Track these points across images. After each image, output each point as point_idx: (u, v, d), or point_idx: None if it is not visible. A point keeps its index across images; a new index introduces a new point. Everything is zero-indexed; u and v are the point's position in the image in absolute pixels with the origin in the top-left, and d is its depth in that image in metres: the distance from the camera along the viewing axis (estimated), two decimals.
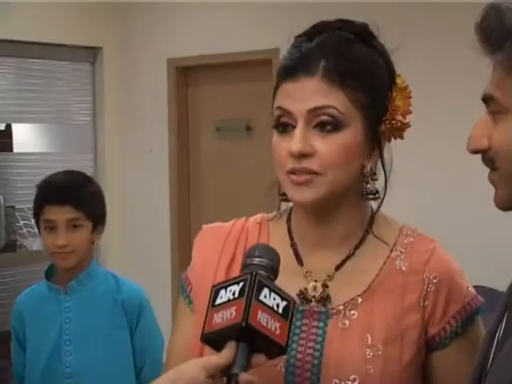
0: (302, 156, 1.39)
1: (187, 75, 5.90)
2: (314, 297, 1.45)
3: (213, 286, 1.27)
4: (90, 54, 6.02)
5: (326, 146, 1.39)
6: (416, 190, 4.71)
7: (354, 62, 1.42)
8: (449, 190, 4.68)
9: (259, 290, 1.21)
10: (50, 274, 2.74)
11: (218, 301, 1.23)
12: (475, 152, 1.16)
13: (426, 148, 4.69)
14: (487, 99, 1.14)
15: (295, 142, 1.39)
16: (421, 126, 4.37)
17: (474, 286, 1.50)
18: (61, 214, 2.60)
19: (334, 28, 1.46)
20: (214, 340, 1.23)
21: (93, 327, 2.64)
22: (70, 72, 5.98)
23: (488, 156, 1.14)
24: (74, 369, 2.61)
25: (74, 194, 2.62)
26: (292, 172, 1.40)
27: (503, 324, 1.18)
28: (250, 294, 1.20)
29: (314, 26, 1.47)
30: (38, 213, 2.67)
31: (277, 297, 1.23)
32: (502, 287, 1.22)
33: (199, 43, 5.64)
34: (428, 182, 4.75)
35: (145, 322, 2.71)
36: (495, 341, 1.18)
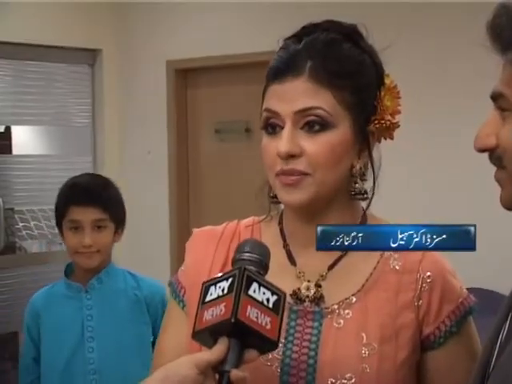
0: (289, 157, 1.40)
1: (186, 77, 5.89)
2: (307, 297, 1.45)
3: (203, 283, 1.26)
4: (89, 55, 6.01)
5: (313, 146, 1.40)
6: (416, 190, 4.71)
7: (341, 62, 1.42)
8: (448, 190, 4.68)
9: (248, 285, 1.21)
10: (67, 274, 2.77)
11: (208, 298, 1.23)
12: (482, 151, 1.15)
13: (426, 148, 4.69)
14: (496, 97, 1.13)
15: (283, 142, 1.40)
16: (421, 126, 4.38)
17: (472, 288, 1.51)
18: (87, 215, 2.65)
19: (321, 29, 1.46)
20: (205, 338, 1.22)
21: (115, 323, 2.68)
22: (69, 74, 5.97)
23: (496, 154, 1.14)
24: (98, 365, 2.64)
25: (100, 196, 2.68)
26: (281, 173, 1.41)
27: (506, 326, 1.18)
28: (238, 290, 1.20)
29: (303, 28, 1.48)
30: (62, 213, 2.71)
31: (267, 291, 1.23)
32: (500, 289, 1.22)
33: (199, 45, 5.63)
34: (428, 182, 4.74)
35: None
36: (498, 342, 1.18)
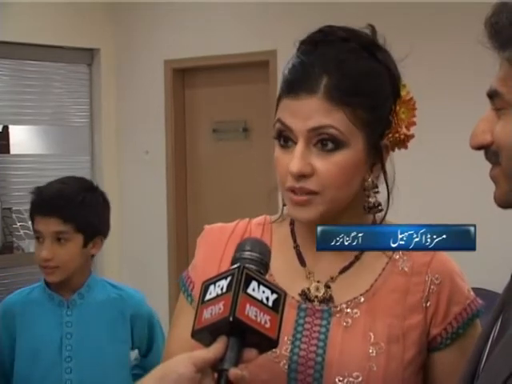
0: (301, 176, 1.39)
1: (184, 77, 5.89)
2: (316, 297, 1.46)
3: (202, 283, 1.26)
4: (88, 55, 6.01)
5: (325, 166, 1.39)
6: (415, 190, 4.71)
7: (357, 79, 1.40)
8: (448, 190, 4.68)
9: (247, 284, 1.20)
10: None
11: (207, 296, 1.22)
12: (478, 148, 1.15)
13: (426, 148, 4.68)
14: (492, 95, 1.13)
15: (294, 162, 1.39)
16: (420, 126, 4.38)
17: (474, 289, 1.51)
18: (47, 226, 2.48)
19: (338, 38, 1.43)
20: (205, 337, 1.21)
21: (94, 343, 2.53)
22: (67, 74, 5.97)
23: (491, 151, 1.13)
24: None
25: (61, 206, 2.48)
26: (291, 190, 1.41)
27: (498, 324, 1.18)
28: (237, 288, 1.19)
29: (320, 31, 1.45)
30: (32, 221, 2.57)
31: (266, 290, 1.21)
32: (500, 289, 1.23)
33: (196, 45, 5.63)
34: (428, 181, 4.74)
35: (157, 340, 2.63)
36: (489, 342, 1.18)
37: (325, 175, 1.39)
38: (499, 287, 1.24)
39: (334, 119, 1.38)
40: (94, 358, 2.51)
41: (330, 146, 1.39)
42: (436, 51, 4.68)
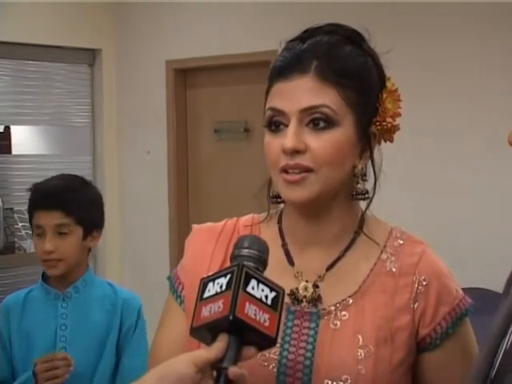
0: (294, 152, 1.40)
1: (186, 77, 5.90)
2: (304, 297, 1.46)
3: (201, 279, 1.26)
4: (89, 55, 6.02)
5: (318, 142, 1.40)
6: (416, 190, 4.71)
7: (346, 63, 1.44)
8: (449, 190, 4.67)
9: (247, 282, 1.20)
10: (45, 277, 2.67)
11: (206, 294, 1.22)
12: None
13: (426, 148, 4.68)
14: None
15: (288, 138, 1.40)
16: (414, 126, 4.38)
17: (472, 288, 1.51)
18: (48, 220, 2.55)
19: (325, 32, 1.47)
20: (203, 334, 1.22)
21: (89, 334, 2.58)
22: (69, 74, 5.98)
23: None
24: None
25: (63, 199, 2.56)
26: (285, 169, 1.42)
27: None
28: (237, 286, 1.19)
29: (306, 31, 1.49)
30: (30, 218, 2.63)
31: (265, 288, 1.22)
32: (500, 289, 1.22)
33: (198, 45, 5.64)
34: (428, 182, 4.73)
35: (140, 330, 2.66)
36: (504, 344, 1.14)
37: (318, 151, 1.40)
38: (499, 287, 1.24)
39: (327, 98, 1.41)
40: (88, 348, 2.56)
41: (322, 124, 1.41)
42: (427, 49, 4.68)
